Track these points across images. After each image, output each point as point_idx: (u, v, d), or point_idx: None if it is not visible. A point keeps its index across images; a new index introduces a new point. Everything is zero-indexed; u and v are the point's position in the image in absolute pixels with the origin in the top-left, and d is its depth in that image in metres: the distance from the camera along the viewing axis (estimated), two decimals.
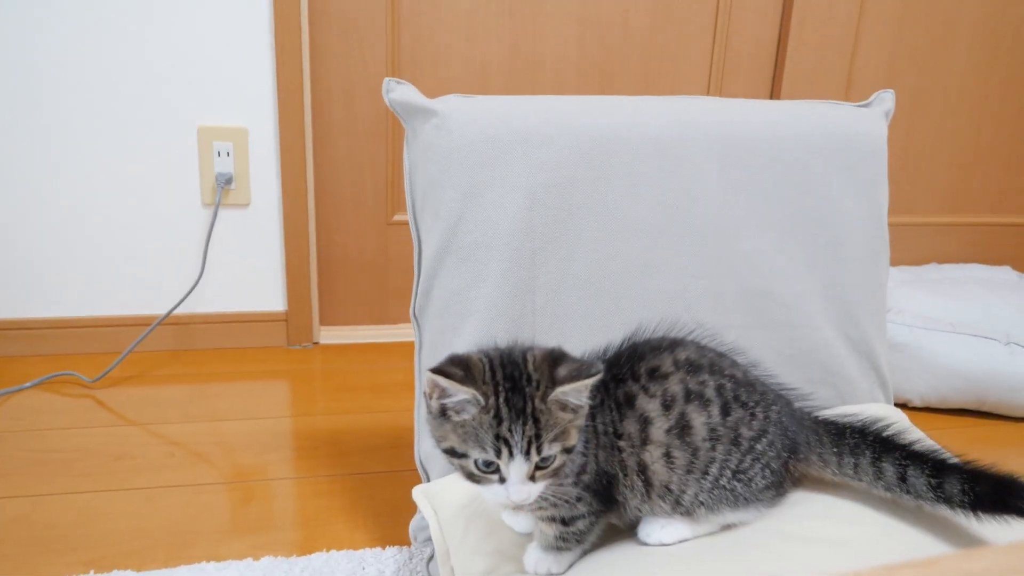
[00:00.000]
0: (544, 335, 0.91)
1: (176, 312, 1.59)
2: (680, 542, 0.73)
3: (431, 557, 0.86)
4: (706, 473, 0.71)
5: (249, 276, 1.65)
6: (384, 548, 1.04)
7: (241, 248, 1.62)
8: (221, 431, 1.36)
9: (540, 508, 0.69)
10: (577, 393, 0.63)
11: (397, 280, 1.77)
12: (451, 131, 0.92)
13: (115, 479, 1.20)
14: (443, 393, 0.63)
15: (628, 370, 0.73)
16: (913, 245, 2.04)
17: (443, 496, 0.85)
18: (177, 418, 1.39)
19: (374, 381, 1.56)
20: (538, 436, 0.61)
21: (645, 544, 0.73)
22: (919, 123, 1.96)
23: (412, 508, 0.91)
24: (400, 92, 0.95)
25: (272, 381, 1.57)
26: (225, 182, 1.56)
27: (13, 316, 1.56)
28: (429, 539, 0.84)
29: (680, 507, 0.72)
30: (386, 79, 0.96)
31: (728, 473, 0.72)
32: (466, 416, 0.62)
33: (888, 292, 1.75)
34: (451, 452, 0.64)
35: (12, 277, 1.54)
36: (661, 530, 0.73)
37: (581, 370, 0.63)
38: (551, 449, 0.62)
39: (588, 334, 0.91)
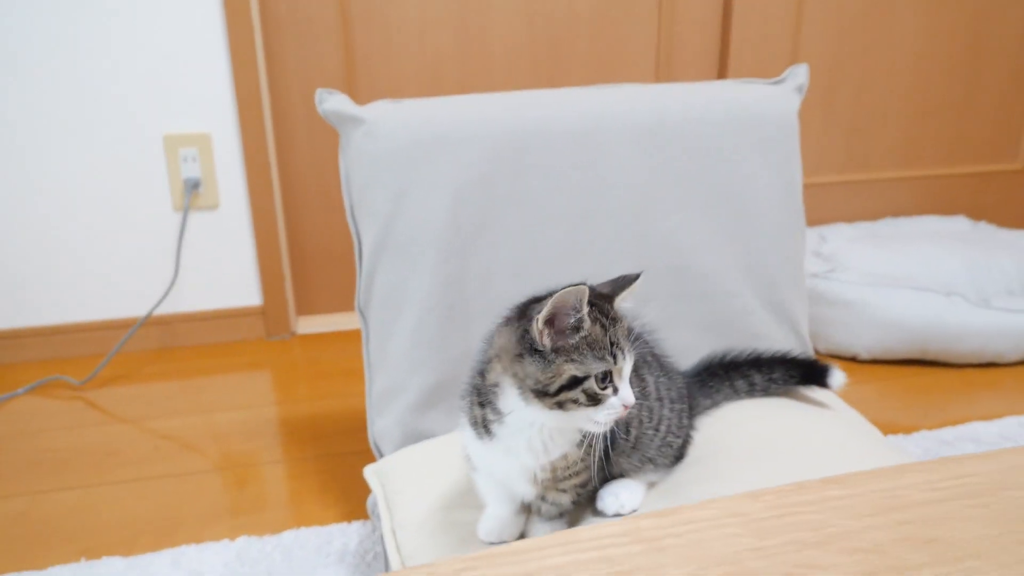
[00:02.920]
0: (476, 322, 0.99)
1: (157, 312, 1.68)
2: (634, 511, 0.77)
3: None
4: (657, 429, 0.79)
5: (224, 274, 1.73)
6: (350, 523, 1.13)
7: (214, 248, 1.70)
8: (205, 423, 1.45)
9: (575, 474, 0.73)
10: (632, 296, 0.71)
11: None
12: (379, 137, 0.99)
13: (105, 474, 1.29)
14: (567, 314, 0.64)
15: None
16: (867, 200, 2.10)
17: (392, 473, 0.94)
18: (163, 413, 1.48)
19: (349, 366, 1.65)
20: (628, 335, 0.68)
21: (603, 515, 0.77)
22: (869, 82, 2.01)
23: None
24: (331, 102, 1.02)
25: (253, 372, 1.66)
26: (193, 186, 1.64)
27: (2, 326, 1.65)
28: None
29: (647, 463, 0.79)
30: (318, 90, 1.03)
31: (673, 428, 0.80)
32: (580, 336, 0.65)
33: (837, 250, 1.83)
34: (569, 384, 0.65)
35: None
36: (622, 495, 0.77)
37: (622, 280, 0.72)
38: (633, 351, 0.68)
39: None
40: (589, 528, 0.46)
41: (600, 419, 0.66)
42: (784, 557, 0.41)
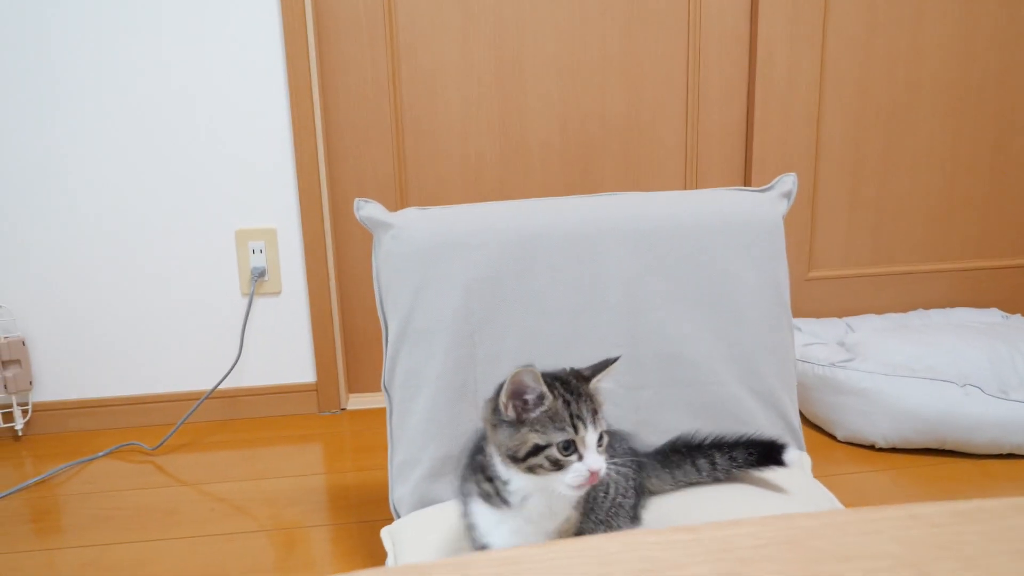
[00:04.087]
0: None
1: (222, 387, 1.86)
2: None
3: None
4: (606, 492, 0.90)
5: (283, 353, 1.91)
6: None
7: (275, 330, 1.89)
8: (258, 488, 1.60)
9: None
10: (607, 378, 0.82)
11: None
12: (404, 240, 1.16)
13: (166, 531, 1.45)
14: (524, 391, 0.76)
15: None
16: (896, 293, 2.16)
17: (403, 532, 1.06)
18: (221, 478, 1.65)
19: None
20: (595, 411, 0.78)
21: None
22: (891, 181, 2.10)
23: None
24: (367, 210, 1.20)
25: (304, 444, 1.81)
26: (259, 275, 1.84)
27: (90, 396, 1.86)
28: None
29: (601, 526, 0.89)
30: (356, 199, 1.21)
31: (621, 489, 0.91)
32: (541, 409, 0.76)
33: (861, 340, 1.89)
34: (534, 451, 0.75)
35: (85, 362, 1.85)
36: None
37: (602, 363, 0.83)
38: (603, 424, 0.78)
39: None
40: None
41: (568, 482, 0.76)
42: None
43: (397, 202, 1.94)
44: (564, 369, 0.84)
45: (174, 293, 1.85)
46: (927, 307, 2.17)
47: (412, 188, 1.95)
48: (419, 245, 1.15)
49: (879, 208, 2.12)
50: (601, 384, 0.82)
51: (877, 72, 2.03)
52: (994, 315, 2.10)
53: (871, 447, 1.69)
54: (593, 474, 0.76)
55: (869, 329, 1.97)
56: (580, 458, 0.76)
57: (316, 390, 1.94)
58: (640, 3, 1.92)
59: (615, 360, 0.84)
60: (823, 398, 1.74)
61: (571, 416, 0.76)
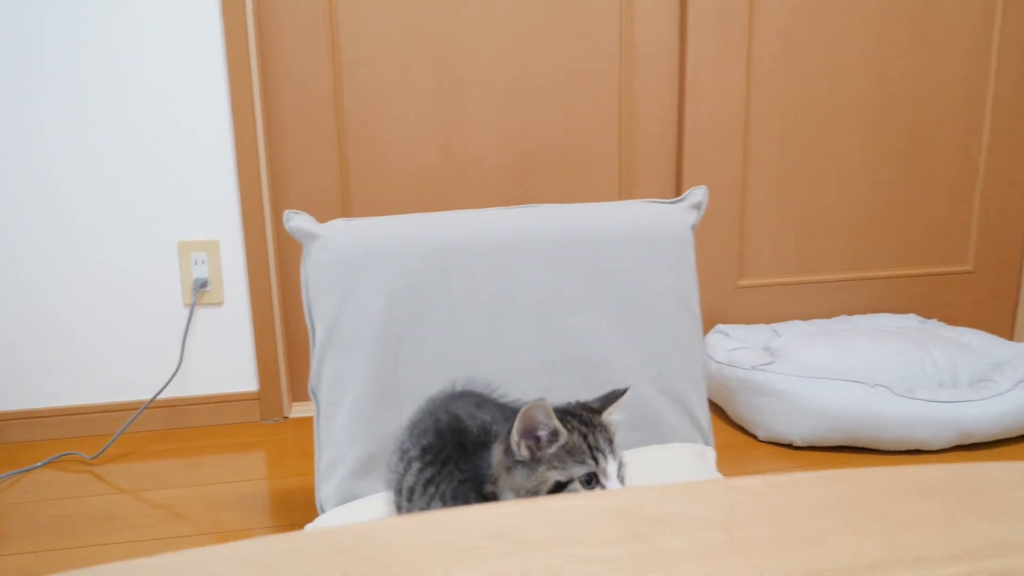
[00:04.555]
0: (406, 403, 1.18)
1: (165, 397, 1.89)
2: None
3: None
4: None
5: (225, 363, 1.94)
6: None
7: (218, 340, 1.93)
8: (199, 494, 1.63)
9: None
10: (617, 410, 0.81)
11: None
12: (331, 250, 1.21)
13: (102, 536, 1.48)
14: (536, 427, 0.73)
15: None
16: (822, 300, 2.26)
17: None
18: (160, 485, 1.67)
19: None
20: (611, 441, 0.76)
21: None
22: (815, 194, 2.21)
23: None
24: (296, 221, 1.25)
25: (247, 452, 1.85)
26: (201, 285, 1.88)
27: (27, 407, 1.88)
28: None
29: None
30: (286, 211, 1.26)
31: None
32: (557, 444, 0.73)
33: (784, 345, 1.98)
34: (555, 489, 0.73)
35: (24, 373, 1.87)
36: None
37: (611, 395, 0.82)
38: (620, 453, 0.76)
39: (431, 399, 1.17)
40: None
41: None
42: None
43: (341, 215, 1.99)
44: (571, 403, 0.83)
45: (115, 304, 1.87)
46: (850, 313, 2.27)
47: (355, 202, 2.00)
48: (345, 255, 1.21)
49: (804, 219, 2.22)
50: (613, 416, 0.81)
51: (799, 91, 2.13)
52: (912, 320, 2.21)
53: (789, 446, 1.78)
54: None
55: (793, 334, 2.07)
56: (603, 489, 0.74)
57: (259, 399, 1.97)
58: (574, 25, 2.00)
59: (623, 392, 0.83)
60: (746, 400, 1.82)
61: (590, 448, 0.75)
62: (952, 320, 2.32)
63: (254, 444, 1.88)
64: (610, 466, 0.75)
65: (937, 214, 2.28)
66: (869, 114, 2.18)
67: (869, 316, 2.23)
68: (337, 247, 1.21)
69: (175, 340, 1.91)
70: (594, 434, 0.76)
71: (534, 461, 0.74)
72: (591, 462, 0.73)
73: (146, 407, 1.87)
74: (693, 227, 1.34)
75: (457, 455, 0.83)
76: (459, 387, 1.01)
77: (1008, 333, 2.39)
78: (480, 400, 0.94)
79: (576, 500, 0.58)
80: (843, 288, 2.27)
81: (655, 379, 1.26)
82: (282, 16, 1.88)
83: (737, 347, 1.95)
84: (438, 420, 0.90)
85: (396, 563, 0.51)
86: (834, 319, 2.23)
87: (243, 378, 1.96)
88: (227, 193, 1.87)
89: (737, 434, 1.85)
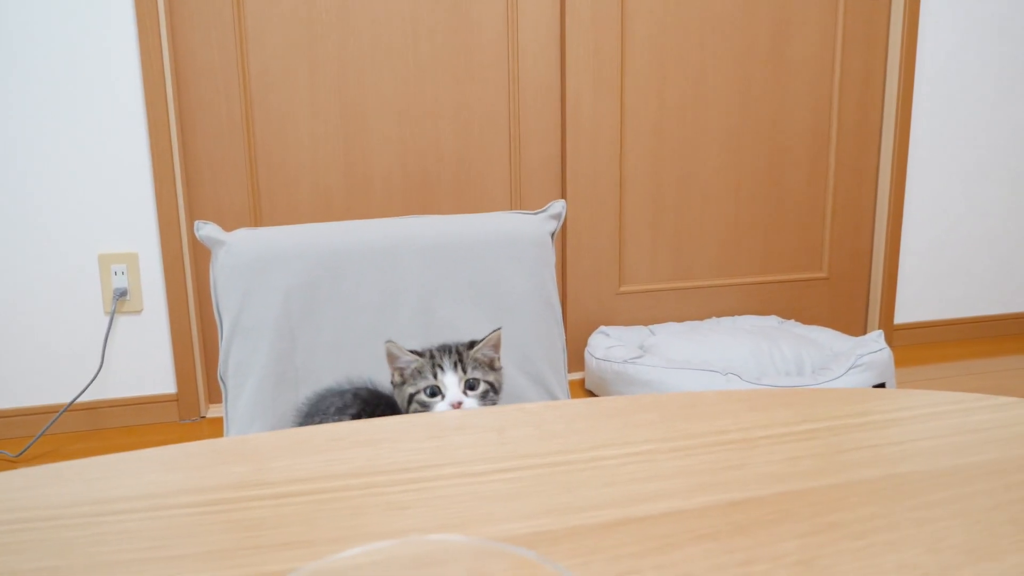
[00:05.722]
0: (302, 385, 1.37)
1: (86, 399, 2.02)
2: None
3: None
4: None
5: (145, 367, 2.09)
6: None
7: (137, 345, 2.07)
8: None
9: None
10: (489, 347, 1.05)
11: None
12: (235, 254, 1.40)
13: None
14: (395, 359, 0.99)
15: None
16: (695, 303, 2.54)
17: None
18: None
19: None
20: (462, 363, 1.00)
21: None
22: (687, 208, 2.48)
23: None
24: (205, 230, 1.43)
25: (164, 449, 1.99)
26: (121, 294, 2.03)
27: None
28: None
29: None
30: (196, 221, 1.44)
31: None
32: (412, 368, 0.99)
33: (657, 342, 2.24)
34: (409, 400, 0.98)
35: None
36: None
37: (488, 335, 1.09)
38: (474, 373, 0.97)
39: (337, 383, 1.36)
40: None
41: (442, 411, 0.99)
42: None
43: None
44: (454, 343, 1.09)
45: (39, 312, 2.00)
46: (720, 315, 2.55)
47: (266, 219, 2.18)
48: (247, 258, 1.39)
49: (678, 231, 2.49)
50: (483, 352, 1.06)
51: (670, 116, 2.41)
52: (772, 321, 2.50)
53: None
54: (454, 405, 0.98)
55: (666, 333, 2.33)
56: (443, 397, 0.97)
57: (177, 400, 2.12)
58: (466, 57, 2.24)
59: (495, 331, 1.09)
60: (619, 389, 2.07)
61: (433, 367, 1.00)
62: (810, 321, 2.63)
63: (171, 442, 2.02)
64: (448, 378, 0.97)
65: (795, 226, 2.59)
66: (733, 138, 2.47)
67: (736, 318, 2.51)
68: (240, 251, 1.40)
69: (96, 346, 2.04)
70: (443, 357, 0.99)
71: (402, 382, 0.99)
72: (430, 376, 0.99)
73: (66, 409, 1.99)
74: (552, 234, 1.57)
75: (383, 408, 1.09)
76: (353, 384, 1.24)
77: (861, 331, 2.71)
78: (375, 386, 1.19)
79: (401, 419, 0.79)
80: (713, 293, 2.55)
81: (519, 362, 1.48)
82: (195, 46, 2.06)
83: (614, 345, 2.20)
84: (358, 390, 1.12)
85: (259, 457, 0.73)
86: (706, 321, 2.50)
87: (162, 381, 2.10)
88: (145, 209, 2.03)
89: None
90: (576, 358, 2.47)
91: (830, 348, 2.23)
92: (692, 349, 2.15)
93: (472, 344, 1.04)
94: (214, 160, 2.11)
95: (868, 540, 0.55)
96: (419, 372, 1.00)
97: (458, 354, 1.02)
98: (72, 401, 1.99)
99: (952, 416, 0.78)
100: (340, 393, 1.19)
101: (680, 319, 2.52)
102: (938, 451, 0.70)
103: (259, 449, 0.74)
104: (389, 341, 1.01)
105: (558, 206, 1.61)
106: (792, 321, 2.50)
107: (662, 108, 2.40)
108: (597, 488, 0.65)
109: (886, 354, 2.06)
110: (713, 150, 2.47)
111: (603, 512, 0.61)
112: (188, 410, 2.13)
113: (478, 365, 1.02)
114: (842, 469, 0.67)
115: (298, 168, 2.17)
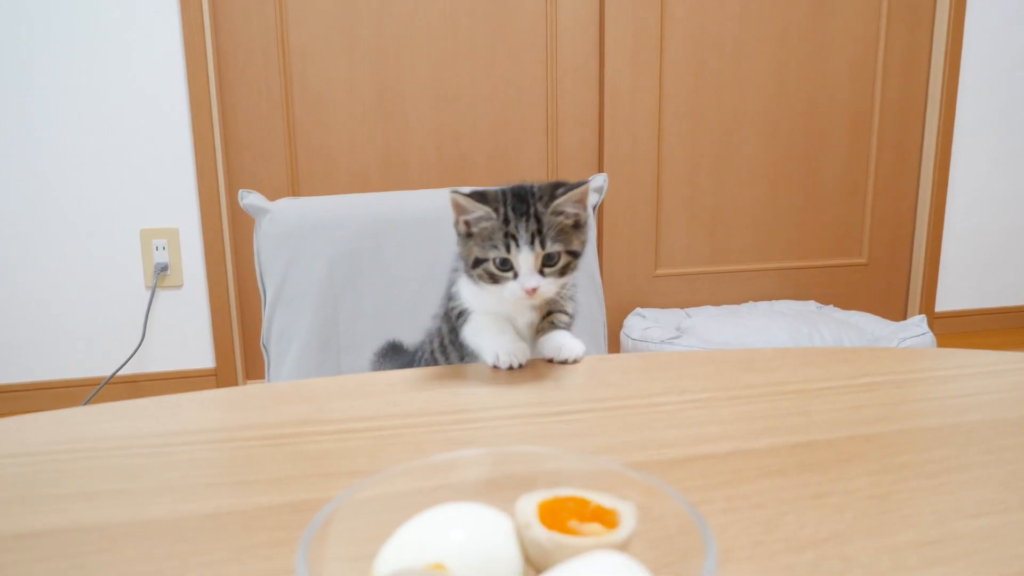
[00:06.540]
0: (344, 353, 1.38)
1: (127, 373, 2.05)
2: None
3: None
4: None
5: (184, 341, 2.11)
6: None
7: (177, 320, 2.10)
8: None
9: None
10: (572, 203, 0.79)
11: None
12: (279, 222, 1.41)
13: None
14: (463, 211, 0.79)
15: None
16: (731, 287, 2.51)
17: None
18: None
19: None
20: (540, 232, 0.77)
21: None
22: (724, 193, 2.46)
23: None
24: (249, 199, 1.44)
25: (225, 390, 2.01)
26: (162, 270, 2.05)
27: (3, 381, 2.02)
28: None
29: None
30: (240, 190, 1.46)
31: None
32: (482, 226, 0.78)
33: (693, 324, 2.22)
34: (476, 263, 0.79)
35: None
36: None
37: (574, 185, 0.83)
38: (554, 247, 0.77)
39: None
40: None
41: (507, 296, 0.78)
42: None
43: None
44: (536, 185, 0.85)
45: (83, 287, 2.03)
46: (756, 300, 2.52)
47: (304, 196, 2.19)
48: (291, 226, 1.40)
49: (714, 215, 2.47)
50: (566, 207, 0.82)
51: (707, 101, 2.39)
52: (810, 306, 2.47)
53: None
54: (529, 292, 0.78)
55: (702, 316, 2.31)
56: (515, 276, 0.78)
57: (215, 375, 2.14)
58: (504, 39, 2.23)
59: (584, 183, 0.84)
60: None
61: (505, 235, 0.78)
62: (848, 308, 2.59)
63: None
64: (522, 256, 0.77)
65: (833, 211, 2.55)
66: (770, 123, 2.44)
67: (773, 302, 2.48)
68: (284, 220, 1.41)
69: (137, 320, 2.07)
70: (519, 223, 0.78)
71: (468, 236, 0.81)
72: (502, 247, 0.78)
73: (107, 381, 2.03)
74: (595, 207, 1.56)
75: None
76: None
77: (901, 319, 2.67)
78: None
79: (454, 367, 0.79)
80: (750, 277, 2.52)
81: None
82: (237, 24, 2.08)
83: (650, 326, 2.19)
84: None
85: (319, 398, 0.73)
86: (742, 305, 2.47)
87: (201, 355, 2.13)
88: (186, 185, 2.05)
89: None
90: (612, 339, 2.46)
91: (871, 332, 2.19)
92: (730, 331, 2.13)
93: (554, 193, 0.81)
94: (254, 139, 2.13)
95: (942, 479, 0.53)
96: (489, 237, 0.80)
97: (537, 219, 0.80)
98: (113, 374, 2.02)
99: (1016, 374, 0.76)
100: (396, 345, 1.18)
101: (716, 303, 2.50)
102: (1005, 403, 0.68)
103: (318, 392, 0.75)
104: (454, 191, 0.82)
105: (599, 179, 1.60)
106: (831, 306, 2.47)
107: (699, 89, 2.38)
108: (659, 430, 0.64)
109: (929, 339, 2.03)
110: (749, 134, 2.44)
111: (667, 450, 0.60)
112: (226, 384, 2.15)
113: (559, 233, 0.80)
114: (907, 417, 0.66)
115: (336, 148, 2.18)
